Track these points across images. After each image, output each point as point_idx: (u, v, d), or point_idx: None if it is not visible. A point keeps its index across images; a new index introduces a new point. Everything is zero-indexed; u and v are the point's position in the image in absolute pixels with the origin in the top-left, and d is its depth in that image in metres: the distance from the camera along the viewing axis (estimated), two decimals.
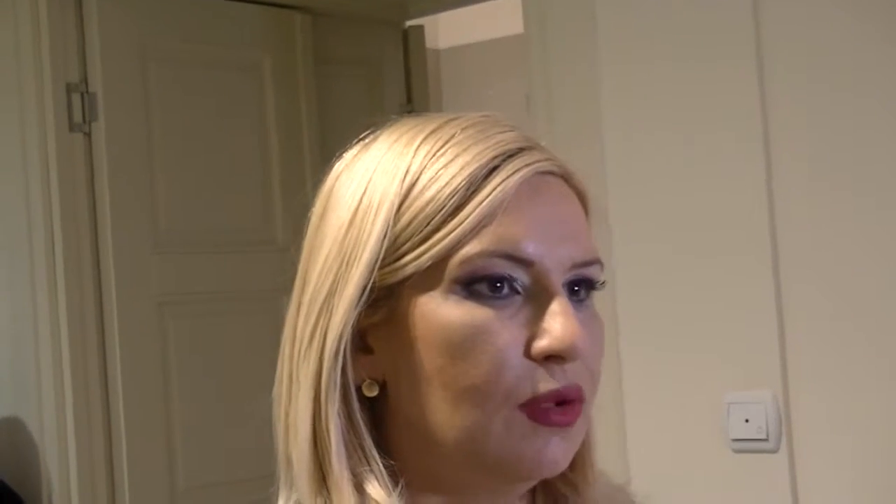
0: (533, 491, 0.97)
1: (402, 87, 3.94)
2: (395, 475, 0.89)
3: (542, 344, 0.86)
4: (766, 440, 2.27)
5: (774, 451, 2.27)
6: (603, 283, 0.93)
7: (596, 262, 0.92)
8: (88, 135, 3.08)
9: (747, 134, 2.29)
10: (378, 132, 0.95)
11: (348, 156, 0.94)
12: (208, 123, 3.32)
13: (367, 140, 0.94)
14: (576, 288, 0.90)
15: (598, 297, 0.94)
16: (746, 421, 2.29)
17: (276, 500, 0.94)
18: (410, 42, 3.99)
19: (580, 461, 0.95)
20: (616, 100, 2.46)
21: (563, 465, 0.89)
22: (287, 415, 0.91)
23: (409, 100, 3.94)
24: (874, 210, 2.20)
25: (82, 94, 3.06)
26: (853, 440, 2.22)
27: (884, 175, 2.19)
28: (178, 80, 3.27)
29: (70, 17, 3.07)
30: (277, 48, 3.49)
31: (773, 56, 2.28)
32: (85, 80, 3.08)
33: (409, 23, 4.01)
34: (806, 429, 2.25)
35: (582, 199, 0.94)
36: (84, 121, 3.06)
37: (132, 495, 3.07)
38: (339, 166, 0.94)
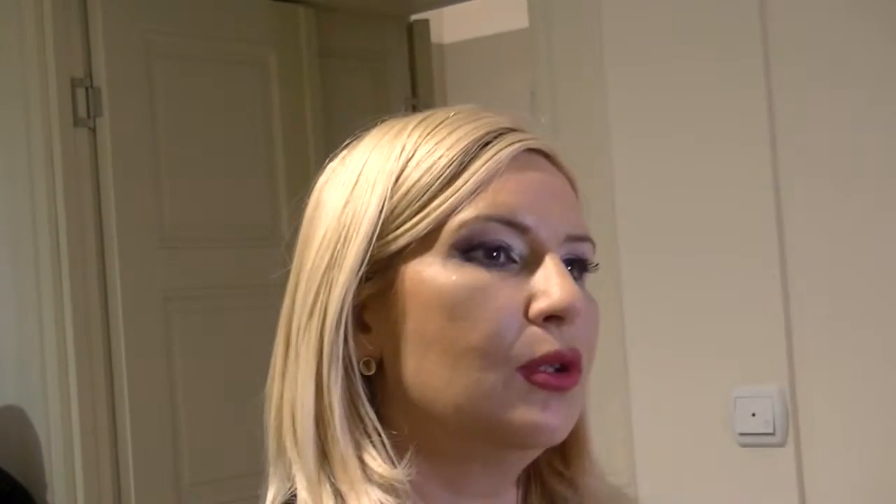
0: (527, 482, 0.97)
1: (407, 81, 3.94)
2: (399, 447, 0.89)
3: (541, 305, 0.88)
4: (772, 434, 2.27)
5: (781, 445, 2.27)
6: (596, 265, 0.94)
7: (587, 239, 0.93)
8: (93, 130, 3.07)
9: (754, 131, 2.28)
10: (367, 131, 0.97)
11: (340, 155, 0.96)
12: (213, 118, 3.32)
13: (356, 140, 0.97)
14: (569, 267, 0.91)
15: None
16: (753, 415, 2.29)
17: (266, 494, 0.94)
18: (415, 36, 3.98)
19: (576, 451, 0.96)
20: (621, 95, 2.46)
21: (562, 432, 0.89)
22: (283, 400, 0.92)
23: (414, 94, 3.94)
24: (880, 207, 2.19)
25: (87, 89, 3.06)
26: (860, 434, 2.21)
27: (890, 174, 2.18)
28: (182, 74, 3.26)
29: (74, 11, 3.06)
30: (282, 43, 3.48)
31: (781, 54, 2.27)
32: (89, 75, 3.08)
33: (413, 17, 4.01)
34: (813, 423, 2.25)
35: (570, 182, 0.95)
36: (88, 116, 3.06)
37: (137, 490, 3.07)
38: (333, 163, 0.96)
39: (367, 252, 0.89)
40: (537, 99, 2.60)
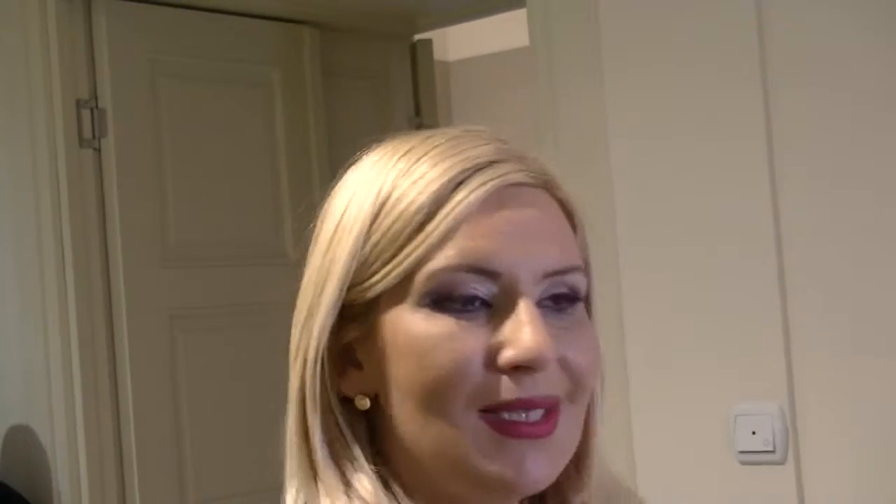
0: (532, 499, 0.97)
1: (411, 100, 3.95)
2: (389, 481, 0.91)
3: (507, 354, 0.87)
4: (772, 452, 2.27)
5: (781, 463, 2.27)
6: (586, 295, 0.93)
7: (573, 269, 0.91)
8: (98, 150, 3.09)
9: (752, 146, 2.29)
10: (371, 149, 0.97)
11: (348, 171, 0.97)
12: (217, 138, 3.33)
13: (361, 156, 0.97)
14: (559, 300, 0.90)
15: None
16: (753, 433, 2.29)
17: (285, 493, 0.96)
18: (419, 55, 4.00)
19: (572, 465, 0.94)
20: (621, 111, 2.46)
21: (547, 480, 0.89)
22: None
23: (418, 113, 3.95)
24: (880, 220, 2.20)
25: (92, 110, 3.08)
26: (860, 453, 2.21)
27: (891, 184, 2.19)
28: (187, 94, 3.28)
29: (79, 32, 3.09)
30: (286, 62, 3.50)
31: (777, 62, 2.28)
32: (94, 96, 3.10)
33: (417, 36, 4.02)
34: (813, 441, 2.25)
35: (566, 208, 0.94)
36: (94, 136, 3.08)
37: None
38: (338, 182, 0.97)
39: (337, 301, 0.90)
40: (538, 115, 2.61)
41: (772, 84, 2.28)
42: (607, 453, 0.99)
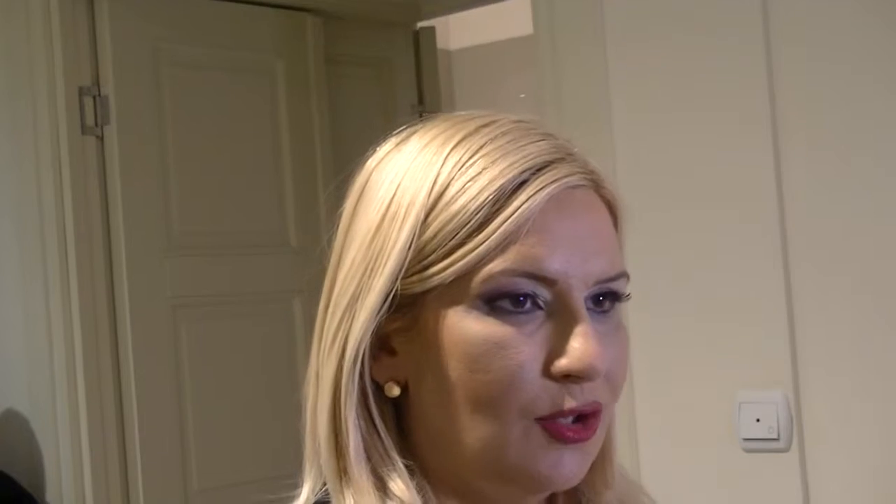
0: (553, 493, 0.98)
1: (414, 88, 3.95)
2: (416, 475, 0.90)
3: (561, 364, 0.87)
4: (776, 440, 2.27)
5: (785, 450, 2.27)
6: (628, 295, 0.93)
7: (620, 276, 0.92)
8: (101, 138, 3.09)
9: (755, 121, 2.29)
10: (412, 130, 0.95)
11: (381, 152, 0.95)
12: (220, 126, 3.33)
13: (400, 138, 0.95)
14: (600, 298, 0.91)
15: None
16: (757, 420, 2.29)
17: (300, 490, 0.95)
18: (422, 43, 3.99)
19: (599, 462, 0.96)
20: (625, 98, 2.46)
21: (578, 478, 0.90)
22: (314, 410, 0.93)
23: (421, 101, 3.95)
24: (887, 208, 2.19)
25: (94, 98, 3.08)
26: (864, 440, 2.21)
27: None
28: (190, 82, 3.28)
29: (82, 20, 3.08)
30: (289, 50, 3.49)
31: (779, 33, 2.27)
32: (97, 84, 3.09)
33: (420, 24, 4.01)
34: (817, 428, 2.25)
35: (611, 206, 0.94)
36: (96, 124, 3.07)
37: (146, 497, 3.08)
38: (371, 163, 0.95)
39: (390, 290, 0.88)
40: (543, 102, 2.61)
41: (775, 58, 2.27)
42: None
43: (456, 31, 5.17)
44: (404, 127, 0.96)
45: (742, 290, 2.32)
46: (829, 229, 2.24)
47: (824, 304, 2.24)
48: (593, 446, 0.91)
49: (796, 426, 2.26)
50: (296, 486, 0.96)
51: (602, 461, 0.96)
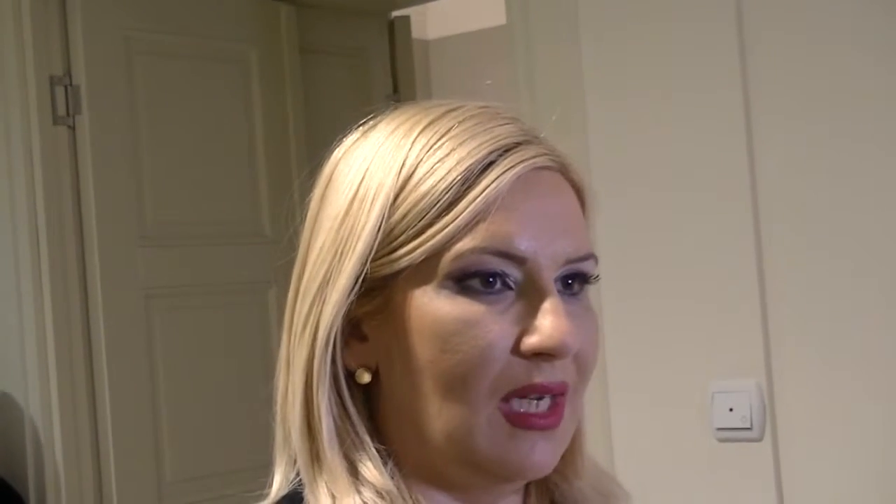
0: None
1: (389, 77, 3.94)
2: (388, 461, 0.90)
3: (531, 341, 0.87)
4: (749, 429, 2.28)
5: (758, 440, 2.27)
6: (597, 277, 0.93)
7: (589, 256, 0.92)
8: (72, 128, 3.07)
9: (729, 107, 2.29)
10: (378, 119, 0.95)
11: (348, 142, 0.95)
12: (194, 115, 3.31)
13: (367, 126, 0.95)
14: (569, 281, 0.91)
15: None
16: (731, 410, 2.29)
17: (272, 479, 0.95)
18: (396, 33, 3.98)
19: (570, 453, 0.96)
20: (598, 85, 2.46)
21: (549, 467, 0.90)
22: (284, 398, 0.93)
23: (396, 90, 3.94)
24: (859, 199, 2.19)
25: (66, 87, 3.05)
26: (837, 429, 2.22)
27: (873, 166, 2.19)
28: (162, 72, 3.26)
29: (53, 8, 3.06)
30: (263, 39, 3.48)
31: (754, 24, 2.27)
32: (69, 73, 3.07)
33: (395, 13, 4.01)
34: (790, 418, 2.26)
35: (579, 191, 0.94)
36: (68, 114, 3.05)
37: (119, 487, 3.06)
38: (338, 152, 0.95)
39: (360, 272, 0.88)
40: (518, 92, 2.60)
41: (748, 43, 2.27)
42: (590, 448, 1.00)
43: (433, 21, 5.16)
44: (370, 116, 0.96)
45: (715, 279, 2.32)
46: (802, 217, 2.24)
47: (797, 293, 2.25)
48: (564, 434, 0.91)
49: (769, 416, 2.27)
50: (268, 475, 0.96)
51: (573, 451, 0.96)
